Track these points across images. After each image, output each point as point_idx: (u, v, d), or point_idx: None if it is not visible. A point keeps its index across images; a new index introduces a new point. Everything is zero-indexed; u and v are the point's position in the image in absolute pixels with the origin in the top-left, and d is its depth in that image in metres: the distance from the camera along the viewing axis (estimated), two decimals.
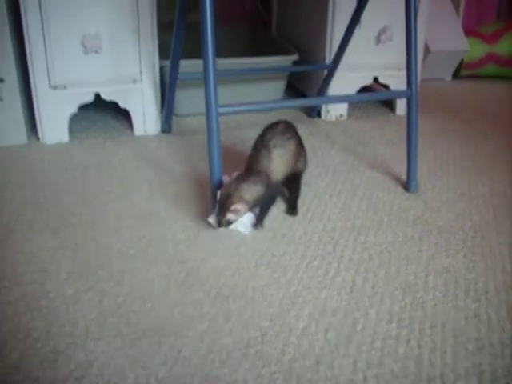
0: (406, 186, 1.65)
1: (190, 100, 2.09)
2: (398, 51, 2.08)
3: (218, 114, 1.37)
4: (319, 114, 2.21)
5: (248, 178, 1.35)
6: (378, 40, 2.14)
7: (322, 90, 2.09)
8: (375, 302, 1.16)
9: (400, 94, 1.72)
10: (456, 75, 2.94)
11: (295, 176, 1.49)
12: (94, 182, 1.63)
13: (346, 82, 2.15)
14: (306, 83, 2.34)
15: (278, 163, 1.39)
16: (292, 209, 1.50)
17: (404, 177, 1.67)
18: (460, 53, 2.79)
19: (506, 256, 1.36)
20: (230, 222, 1.33)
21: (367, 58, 2.16)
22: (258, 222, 1.41)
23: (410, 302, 1.17)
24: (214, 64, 1.34)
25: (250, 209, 1.35)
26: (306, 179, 1.62)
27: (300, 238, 1.38)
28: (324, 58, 2.13)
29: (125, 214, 1.47)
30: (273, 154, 1.39)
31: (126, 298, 1.15)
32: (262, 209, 1.40)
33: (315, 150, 1.89)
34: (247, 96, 2.11)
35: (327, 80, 2.06)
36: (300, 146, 1.49)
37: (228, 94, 2.06)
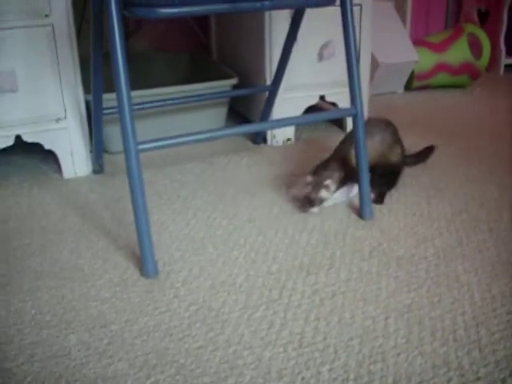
0: (360, 212, 1.49)
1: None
2: (343, 67, 1.93)
3: (138, 151, 1.20)
4: (265, 140, 2.05)
5: (331, 164, 1.55)
6: (320, 56, 2.00)
7: (264, 113, 1.94)
8: (328, 358, 0.99)
9: (344, 113, 1.58)
10: (408, 87, 2.82)
11: (385, 170, 1.61)
12: (13, 235, 1.44)
13: (290, 103, 2.00)
14: (249, 108, 2.19)
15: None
16: (378, 198, 1.60)
17: (358, 203, 1.51)
18: (410, 64, 2.68)
19: (474, 284, 1.21)
20: (322, 200, 1.50)
21: (311, 77, 2.02)
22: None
23: (368, 353, 1.00)
24: (129, 96, 1.18)
25: (336, 189, 1.52)
26: (249, 214, 1.46)
27: (241, 284, 1.21)
28: (265, 80, 1.98)
29: (44, 270, 1.28)
30: (353, 145, 1.50)
31: (35, 377, 0.97)
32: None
33: (260, 181, 1.72)
34: (186, 126, 1.94)
35: (269, 103, 1.91)
36: (390, 143, 1.61)
37: (164, 126, 1.90)
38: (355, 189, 1.57)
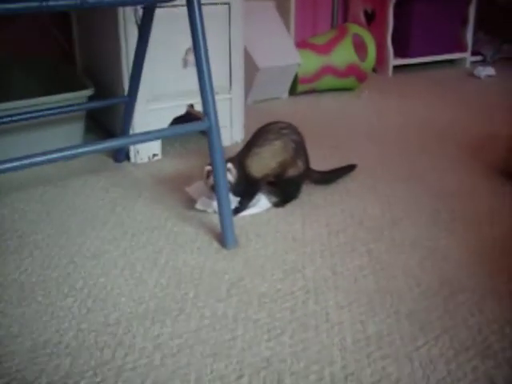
0: (222, 240, 1.30)
1: None
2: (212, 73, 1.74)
3: None
4: (128, 157, 1.82)
5: (230, 159, 1.42)
6: (185, 62, 1.81)
7: (124, 127, 1.73)
8: None
9: (197, 127, 1.37)
10: (292, 92, 2.66)
11: (285, 180, 1.50)
12: None
13: (155, 114, 1.80)
14: (111, 120, 1.97)
15: (254, 161, 1.45)
16: (279, 202, 1.52)
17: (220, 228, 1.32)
18: (292, 67, 2.52)
19: (347, 323, 1.03)
20: (229, 183, 1.34)
21: (177, 85, 1.82)
22: (237, 212, 1.44)
23: None
24: None
25: (234, 185, 1.41)
26: (94, 249, 1.24)
27: (68, 344, 0.99)
28: (123, 90, 1.76)
29: None
30: (251, 151, 1.46)
31: None
32: (241, 200, 1.46)
33: (115, 206, 1.50)
34: (37, 144, 1.70)
35: (128, 115, 1.70)
36: (292, 153, 1.48)
37: (12, 145, 1.70)
38: (263, 201, 1.51)
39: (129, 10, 1.64)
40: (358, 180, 1.66)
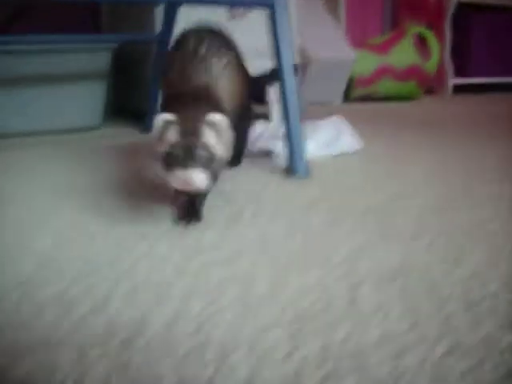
0: (290, 167, 0.90)
1: None
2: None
3: None
4: None
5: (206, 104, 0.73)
6: (231, 14, 1.47)
7: (152, 91, 1.37)
8: None
9: (255, 1, 0.99)
10: (347, 97, 2.29)
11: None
12: None
13: None
14: (139, 97, 1.61)
15: (223, 82, 0.81)
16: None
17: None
18: (347, 63, 2.17)
19: None
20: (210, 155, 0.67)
21: None
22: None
23: None
24: None
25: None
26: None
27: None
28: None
29: None
30: (213, 65, 0.81)
31: None
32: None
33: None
34: (55, 104, 1.39)
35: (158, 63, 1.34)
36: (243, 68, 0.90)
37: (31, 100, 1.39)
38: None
39: None
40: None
